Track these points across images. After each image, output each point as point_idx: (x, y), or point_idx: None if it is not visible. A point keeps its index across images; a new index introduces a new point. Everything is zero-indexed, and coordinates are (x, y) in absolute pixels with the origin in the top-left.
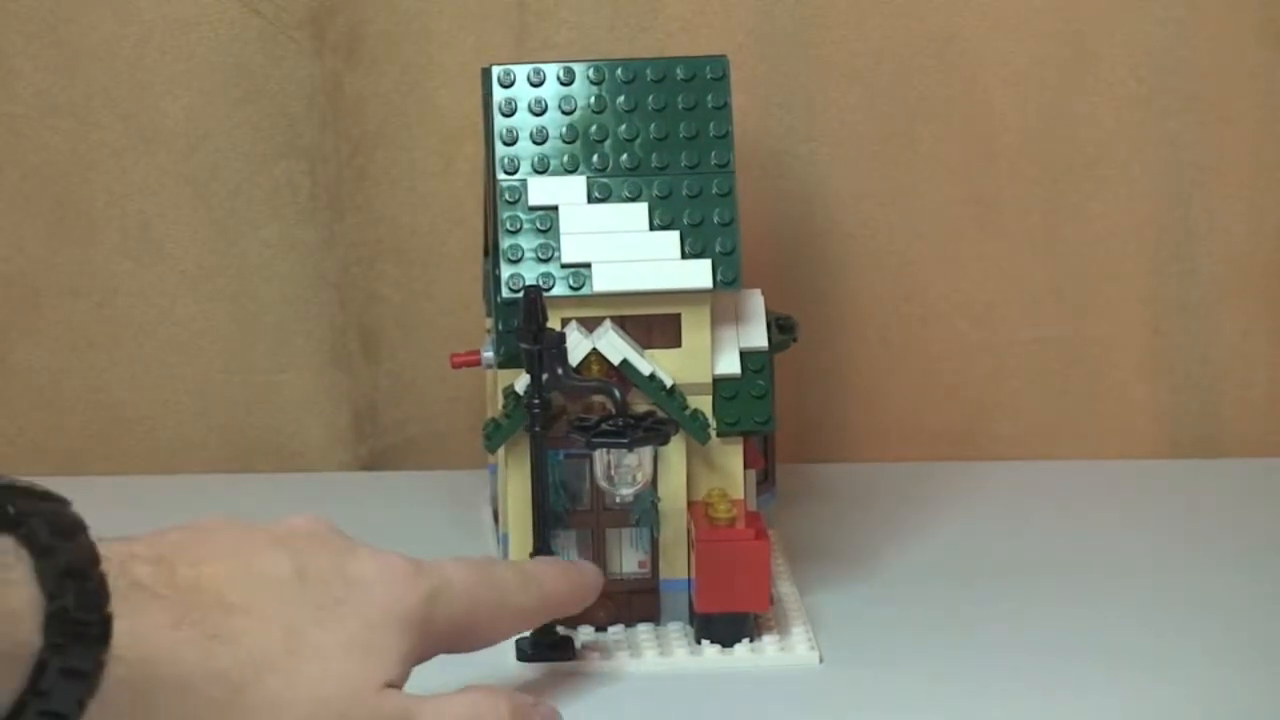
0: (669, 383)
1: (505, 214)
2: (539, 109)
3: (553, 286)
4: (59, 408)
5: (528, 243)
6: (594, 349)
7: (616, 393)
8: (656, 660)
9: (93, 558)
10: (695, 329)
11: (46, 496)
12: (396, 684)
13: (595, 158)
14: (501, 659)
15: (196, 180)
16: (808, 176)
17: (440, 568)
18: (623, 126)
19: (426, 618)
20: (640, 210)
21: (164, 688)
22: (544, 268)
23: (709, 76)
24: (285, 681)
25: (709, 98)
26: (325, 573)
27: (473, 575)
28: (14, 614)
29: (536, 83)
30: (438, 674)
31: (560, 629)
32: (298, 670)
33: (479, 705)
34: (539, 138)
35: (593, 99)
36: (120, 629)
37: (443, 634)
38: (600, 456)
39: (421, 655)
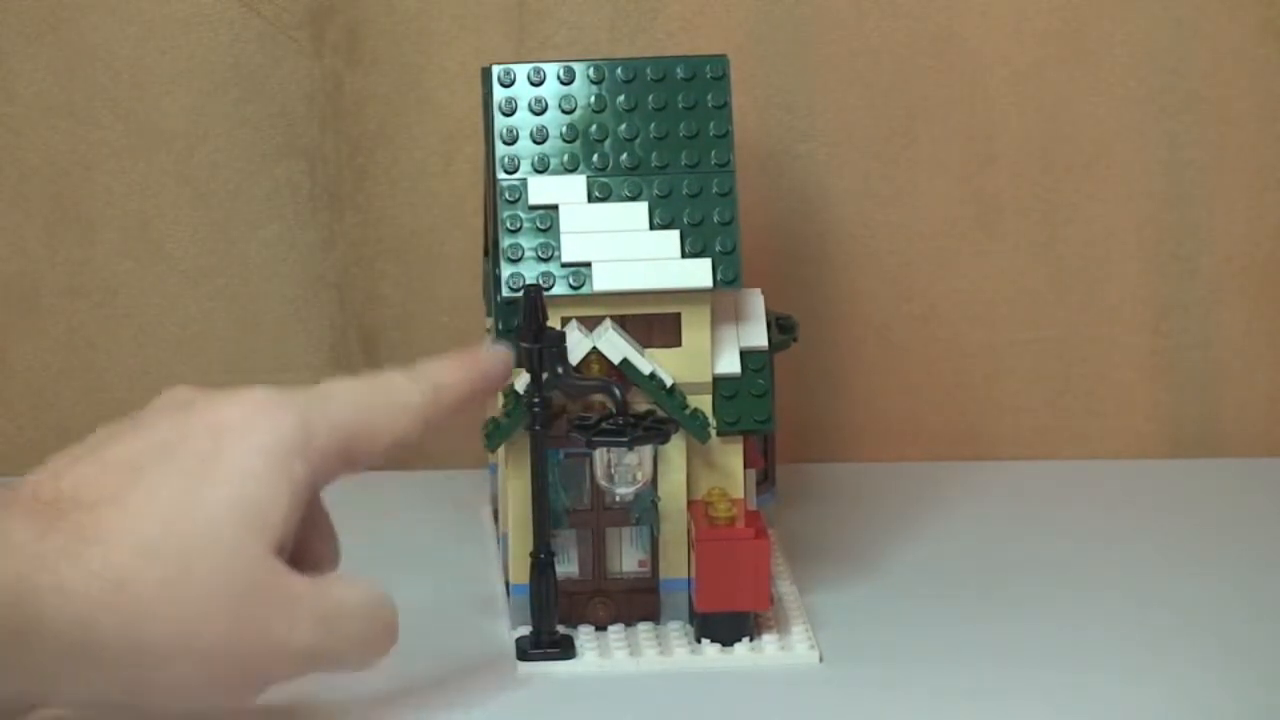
0: (669, 382)
1: (505, 213)
2: (539, 108)
3: (553, 286)
4: (59, 408)
5: (528, 242)
6: (594, 348)
7: (617, 391)
8: (656, 660)
9: None
10: (695, 328)
11: None
12: (285, 545)
13: (595, 157)
14: (501, 658)
15: (196, 180)
16: (808, 176)
17: (313, 387)
18: (623, 126)
19: (305, 440)
20: (640, 209)
21: (46, 597)
22: (544, 267)
23: (709, 76)
24: (170, 565)
25: (709, 97)
26: (187, 434)
27: (350, 382)
28: None
29: (536, 82)
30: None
31: (560, 628)
32: (180, 548)
33: (372, 604)
34: (539, 137)
35: (593, 98)
36: None
37: (331, 449)
38: (600, 455)
39: (314, 479)
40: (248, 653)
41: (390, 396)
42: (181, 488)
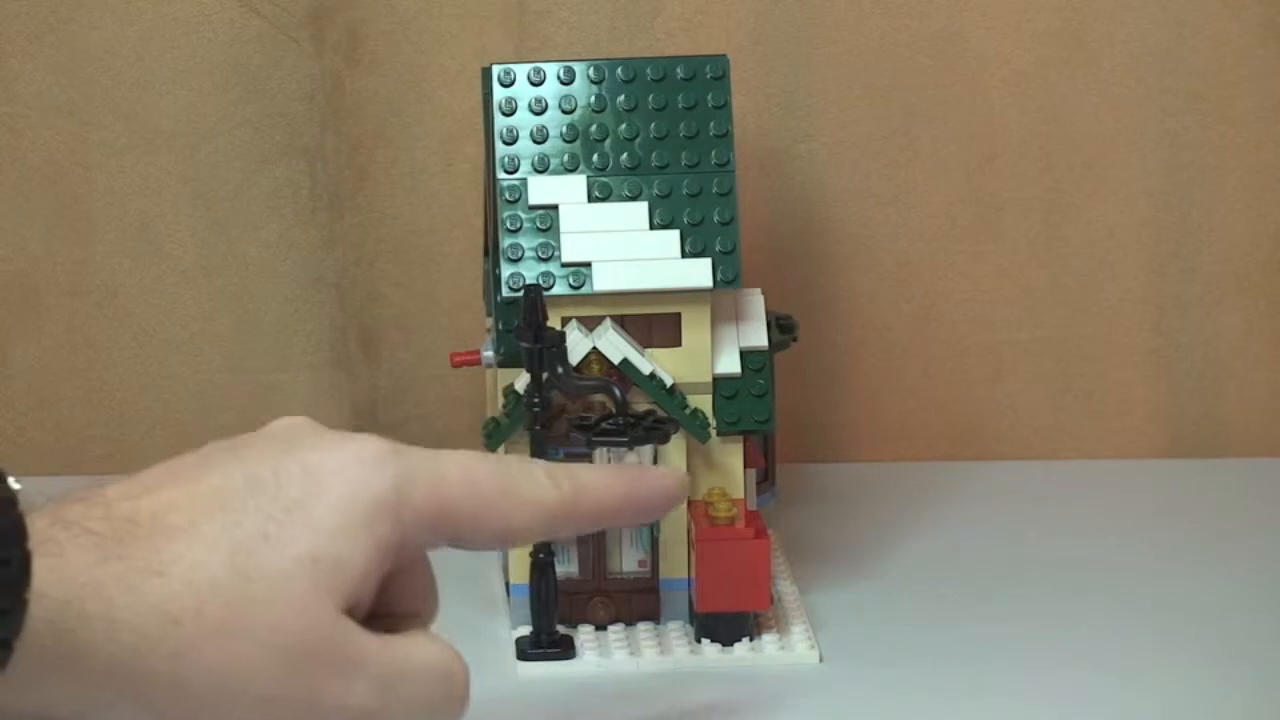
0: (669, 382)
1: (505, 213)
2: (539, 108)
3: (553, 285)
4: (59, 408)
5: (528, 242)
6: (594, 348)
7: (617, 391)
8: (656, 659)
9: (10, 502)
10: (695, 328)
11: None
12: (361, 603)
13: (595, 157)
14: (501, 658)
15: (196, 180)
16: (808, 176)
17: (438, 452)
18: (623, 126)
19: (399, 504)
20: (640, 209)
21: (93, 624)
22: (544, 267)
23: (709, 76)
24: (229, 610)
25: (709, 97)
26: (281, 473)
27: (479, 457)
28: None
29: (537, 82)
30: None
31: (560, 628)
32: (243, 594)
33: (440, 666)
34: (539, 137)
35: (593, 98)
36: (42, 567)
37: (427, 518)
38: (600, 455)
39: (405, 543)
40: (297, 708)
41: (520, 485)
42: (259, 530)
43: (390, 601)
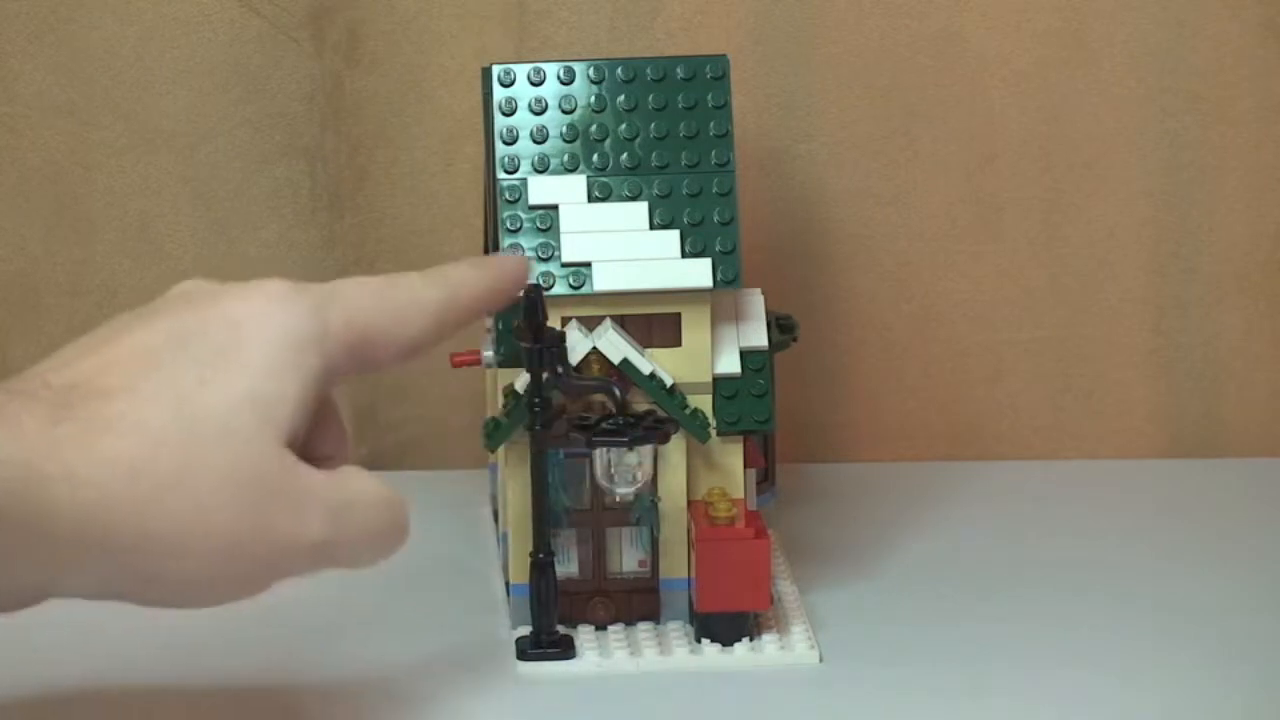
0: (669, 382)
1: (505, 213)
2: (539, 108)
3: (553, 285)
4: None
5: (528, 242)
6: (594, 348)
7: (617, 391)
8: (656, 659)
9: None
10: (695, 328)
11: None
12: (298, 437)
13: (595, 157)
14: (501, 658)
15: (196, 180)
16: (808, 176)
17: (329, 283)
18: (623, 126)
19: (320, 334)
20: (640, 209)
21: (56, 486)
22: (544, 267)
23: (709, 76)
24: (182, 455)
25: (709, 97)
26: (202, 324)
27: (366, 279)
28: None
29: (537, 82)
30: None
31: (560, 628)
32: (192, 439)
33: (384, 501)
34: (539, 137)
35: (593, 98)
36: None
37: (346, 343)
38: (600, 455)
39: (328, 373)
40: (258, 544)
41: (407, 294)
42: (196, 378)
43: (309, 444)
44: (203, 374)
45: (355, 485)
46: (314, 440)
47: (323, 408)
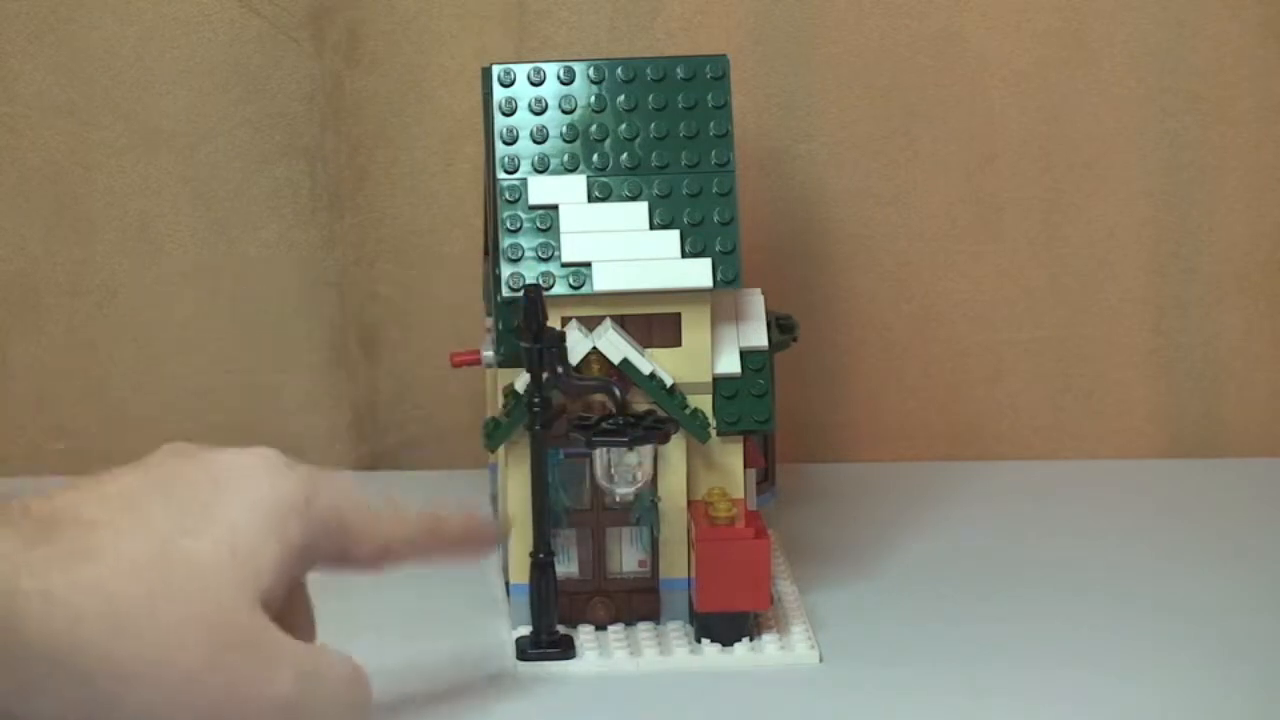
0: (669, 382)
1: (505, 213)
2: (539, 108)
3: (553, 285)
4: (59, 408)
5: (528, 242)
6: (594, 348)
7: (617, 391)
8: (656, 659)
9: None
10: (695, 328)
11: None
12: (274, 591)
13: (595, 157)
14: (502, 658)
15: (196, 180)
16: (808, 176)
17: (319, 470)
18: (623, 125)
19: (305, 505)
20: (640, 209)
21: (31, 603)
22: (544, 267)
23: (709, 76)
24: (157, 590)
25: (709, 97)
26: (189, 479)
27: (352, 481)
28: None
29: (537, 82)
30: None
31: (560, 628)
32: (169, 578)
33: (351, 677)
34: (539, 137)
35: (593, 98)
36: None
37: (325, 522)
38: (600, 455)
39: (305, 549)
40: (223, 688)
41: (392, 504)
42: (179, 525)
43: (280, 622)
44: (186, 522)
45: (327, 657)
46: (285, 619)
47: (296, 590)
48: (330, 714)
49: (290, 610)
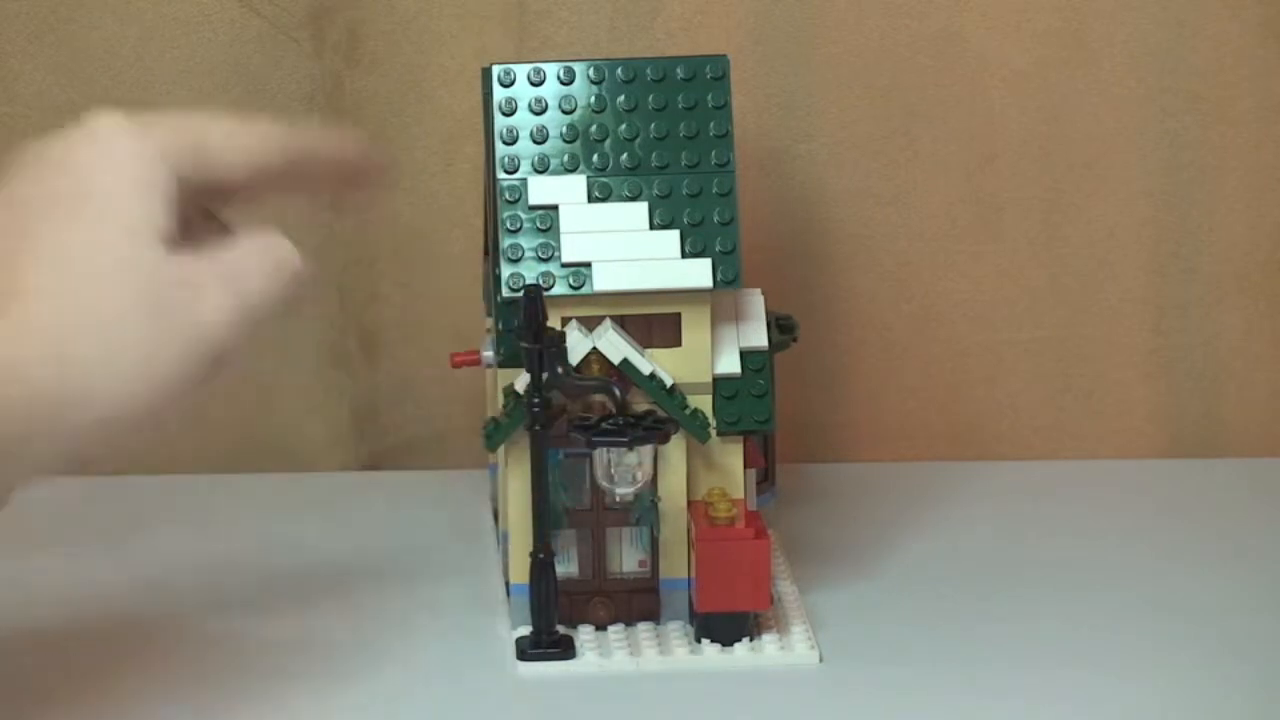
0: (669, 382)
1: (505, 213)
2: (539, 108)
3: (553, 286)
4: None
5: (528, 242)
6: (594, 348)
7: (617, 391)
8: (656, 660)
9: None
10: (695, 328)
11: None
12: (169, 233)
13: (595, 157)
14: (502, 658)
15: None
16: (808, 176)
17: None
18: (623, 126)
19: (156, 148)
20: (640, 209)
21: None
22: (544, 267)
23: (709, 76)
24: (82, 300)
25: (709, 97)
26: (58, 181)
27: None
28: None
29: (537, 82)
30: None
31: (560, 628)
32: (85, 285)
33: (265, 247)
34: (539, 137)
35: (593, 98)
36: None
37: (182, 144)
38: (600, 456)
39: (178, 171)
40: (173, 335)
41: (251, 119)
42: (66, 236)
43: (198, 240)
44: (71, 228)
45: (231, 246)
46: (199, 240)
47: (195, 210)
48: (266, 286)
49: (199, 226)
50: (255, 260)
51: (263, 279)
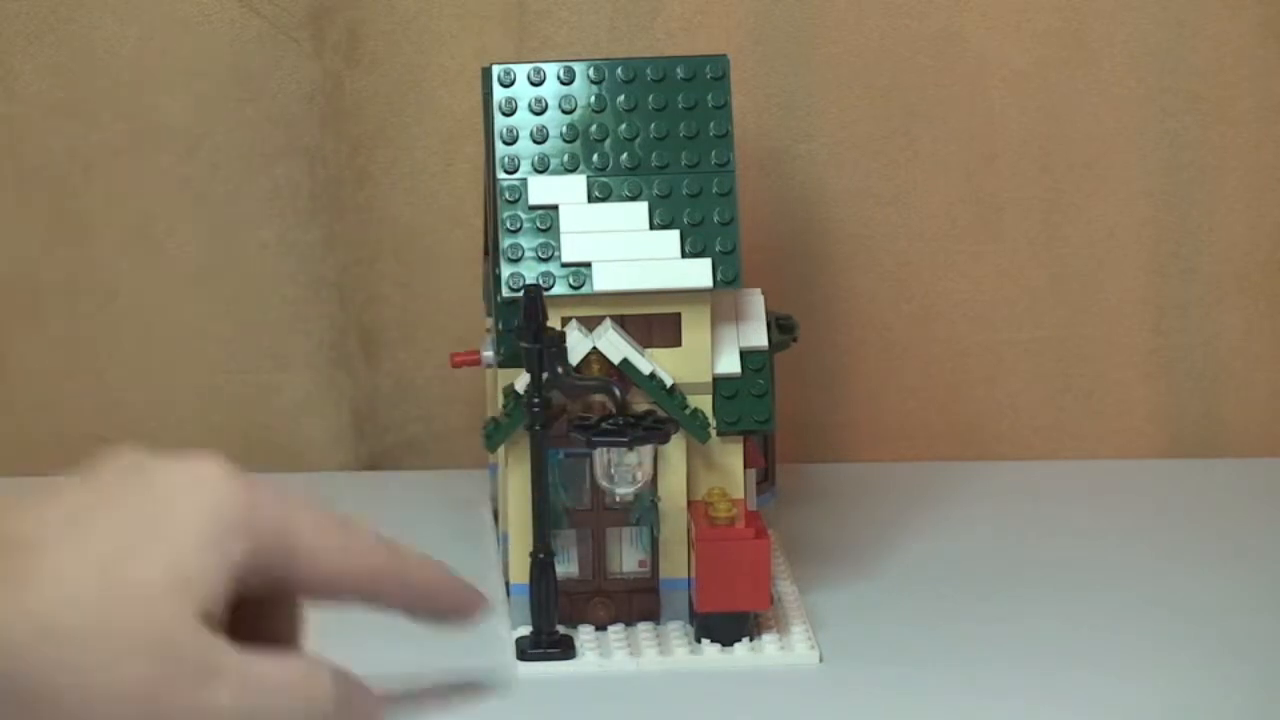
0: (669, 382)
1: (505, 213)
2: (539, 108)
3: (553, 286)
4: (59, 408)
5: (528, 242)
6: (594, 348)
7: (617, 391)
8: (656, 660)
9: None
10: (695, 328)
11: None
12: (214, 612)
13: (595, 157)
14: (501, 658)
15: (196, 180)
16: (808, 176)
17: (270, 483)
18: (623, 126)
19: (248, 521)
20: (640, 209)
21: None
22: (544, 267)
23: (709, 76)
24: (95, 617)
25: (709, 97)
26: (132, 494)
27: (306, 499)
28: None
29: (537, 82)
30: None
31: (560, 628)
32: (108, 602)
33: (302, 682)
34: (539, 137)
35: (593, 98)
36: None
37: (265, 537)
38: (600, 455)
39: (246, 564)
40: (167, 706)
41: (356, 528)
42: (121, 545)
43: (259, 624)
44: (129, 542)
45: (276, 671)
46: (261, 624)
47: (274, 593)
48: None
49: (268, 612)
50: (286, 685)
51: (284, 710)
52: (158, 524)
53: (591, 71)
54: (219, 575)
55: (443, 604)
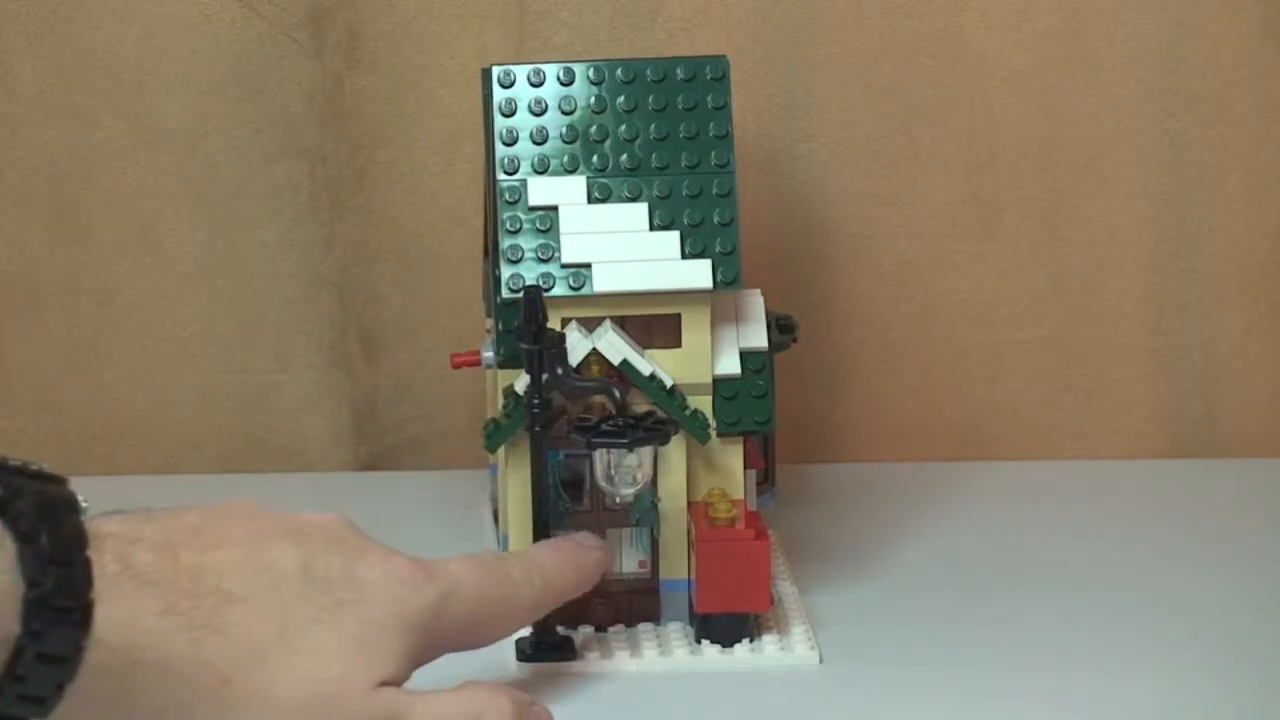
0: (669, 383)
1: (505, 214)
2: (539, 109)
3: (553, 286)
4: (59, 408)
5: (528, 243)
6: (594, 349)
7: (617, 392)
8: (656, 660)
9: (79, 542)
10: (695, 329)
11: (39, 476)
12: (393, 682)
13: (595, 158)
14: (502, 658)
15: (196, 180)
16: (808, 176)
17: (447, 570)
18: (623, 126)
19: (433, 623)
20: (640, 210)
21: (146, 673)
22: (544, 268)
23: (709, 76)
24: (275, 676)
25: (709, 98)
26: (332, 572)
27: (479, 573)
28: None
29: (536, 83)
30: (436, 669)
31: (560, 629)
32: (289, 665)
33: (478, 703)
34: (539, 138)
35: (593, 99)
36: (104, 614)
37: (448, 635)
38: (600, 456)
39: (425, 656)
40: None
41: (509, 594)
42: (311, 615)
43: None
44: (319, 615)
45: (451, 697)
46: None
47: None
48: None
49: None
50: (470, 713)
51: None
52: (350, 609)
53: (591, 72)
54: (400, 659)
55: (583, 589)
